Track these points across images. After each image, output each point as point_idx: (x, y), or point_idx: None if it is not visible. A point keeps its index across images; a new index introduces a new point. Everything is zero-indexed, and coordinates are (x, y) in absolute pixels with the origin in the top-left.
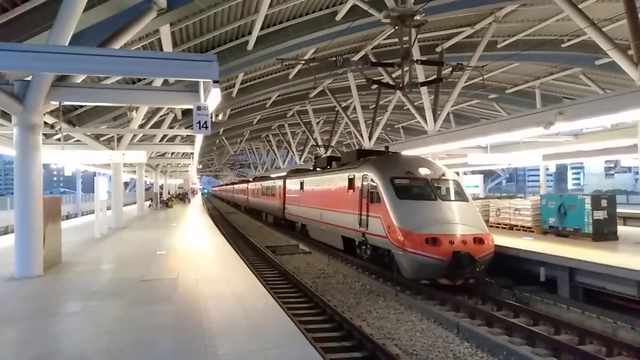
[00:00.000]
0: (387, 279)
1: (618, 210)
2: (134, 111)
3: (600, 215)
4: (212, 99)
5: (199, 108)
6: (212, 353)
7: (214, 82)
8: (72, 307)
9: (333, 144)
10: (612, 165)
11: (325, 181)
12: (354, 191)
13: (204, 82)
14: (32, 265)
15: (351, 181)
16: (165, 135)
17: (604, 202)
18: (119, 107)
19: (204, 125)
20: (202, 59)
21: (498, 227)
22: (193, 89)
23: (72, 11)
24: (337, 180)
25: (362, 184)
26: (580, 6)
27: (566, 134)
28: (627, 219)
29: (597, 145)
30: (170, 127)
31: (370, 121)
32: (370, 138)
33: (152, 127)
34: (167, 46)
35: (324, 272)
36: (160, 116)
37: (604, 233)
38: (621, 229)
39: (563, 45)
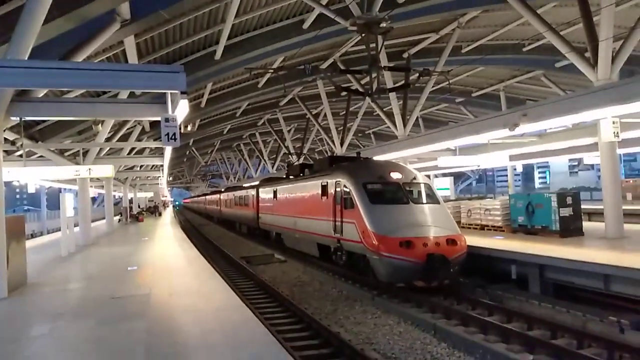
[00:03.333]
0: (363, 284)
1: (583, 206)
2: (99, 125)
3: (566, 212)
4: (180, 110)
5: (166, 120)
6: None
7: (182, 93)
8: (38, 329)
9: (305, 151)
10: (576, 163)
11: (299, 189)
12: (327, 198)
13: (171, 93)
14: None
15: (324, 188)
16: (133, 148)
17: (569, 200)
18: (84, 121)
19: (173, 137)
20: (169, 70)
21: (470, 228)
22: (160, 101)
23: (30, 24)
24: (310, 188)
25: (335, 190)
26: (538, 11)
27: (531, 134)
28: (591, 215)
29: (560, 145)
30: (139, 139)
31: (341, 128)
32: (341, 144)
33: (120, 140)
34: (133, 57)
35: (300, 280)
36: (128, 129)
37: (571, 229)
38: (586, 224)
39: (524, 49)
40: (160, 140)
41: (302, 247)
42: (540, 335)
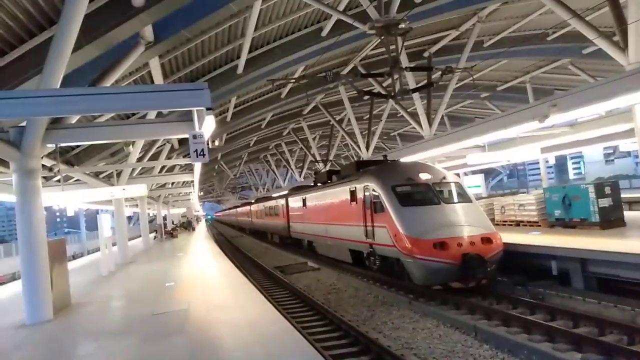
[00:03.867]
0: (399, 288)
1: (622, 195)
2: (130, 146)
3: (605, 202)
4: (207, 126)
5: (194, 137)
6: None
7: (207, 109)
8: (85, 349)
9: (331, 157)
10: (611, 151)
11: (327, 195)
12: (356, 203)
13: (197, 110)
14: (41, 310)
15: (353, 193)
16: (164, 166)
17: (607, 189)
18: (116, 143)
19: (202, 153)
20: (194, 87)
21: (504, 225)
22: (187, 118)
23: (60, 53)
24: (339, 194)
25: (364, 195)
26: None
27: (561, 125)
28: (632, 204)
29: (593, 133)
30: (168, 157)
31: (366, 132)
32: (367, 148)
33: (150, 159)
34: (158, 78)
35: (335, 288)
36: (158, 147)
37: (611, 220)
38: (627, 214)
39: (549, 38)
40: (189, 157)
41: (335, 254)
42: (587, 332)
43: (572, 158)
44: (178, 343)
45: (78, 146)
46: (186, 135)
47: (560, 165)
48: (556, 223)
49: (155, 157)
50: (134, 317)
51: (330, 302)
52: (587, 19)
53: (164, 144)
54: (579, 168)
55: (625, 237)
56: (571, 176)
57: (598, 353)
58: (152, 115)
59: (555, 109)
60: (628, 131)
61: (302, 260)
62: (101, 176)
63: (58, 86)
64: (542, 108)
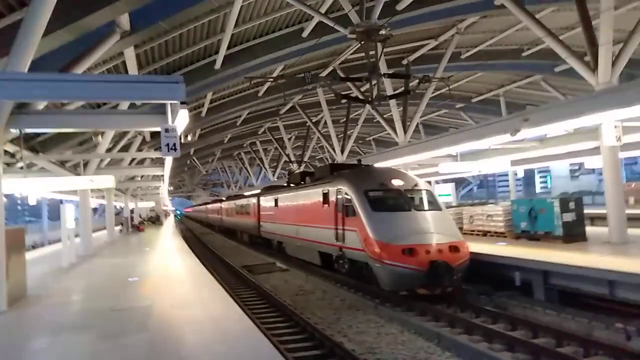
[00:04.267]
0: (366, 292)
1: (585, 211)
2: (99, 136)
3: (569, 217)
4: (180, 120)
5: (166, 130)
6: None
7: (182, 103)
8: (38, 344)
9: (306, 159)
10: (577, 167)
11: (300, 197)
12: (328, 205)
13: (171, 103)
14: None
15: (325, 196)
16: (134, 159)
17: (572, 204)
18: (85, 133)
19: (173, 147)
20: (168, 80)
21: (472, 234)
22: (160, 111)
23: (30, 37)
24: (311, 196)
25: (337, 198)
26: (537, 16)
27: (532, 139)
28: (594, 219)
29: (561, 149)
30: (139, 149)
31: (342, 135)
32: (342, 152)
33: (120, 150)
34: (133, 69)
35: (302, 289)
36: (129, 139)
37: (574, 234)
38: (590, 229)
39: (524, 54)
40: (161, 150)
41: (304, 256)
42: (545, 343)
43: (539, 172)
44: (138, 340)
45: (44, 133)
46: (158, 129)
47: (528, 179)
48: (522, 235)
49: (125, 148)
50: (92, 312)
51: (297, 303)
52: (560, 37)
53: (135, 136)
54: (546, 182)
55: (586, 251)
56: (538, 190)
57: None
58: (124, 106)
59: (527, 124)
60: (594, 149)
61: (270, 261)
62: (67, 165)
63: (26, 70)
64: (514, 122)
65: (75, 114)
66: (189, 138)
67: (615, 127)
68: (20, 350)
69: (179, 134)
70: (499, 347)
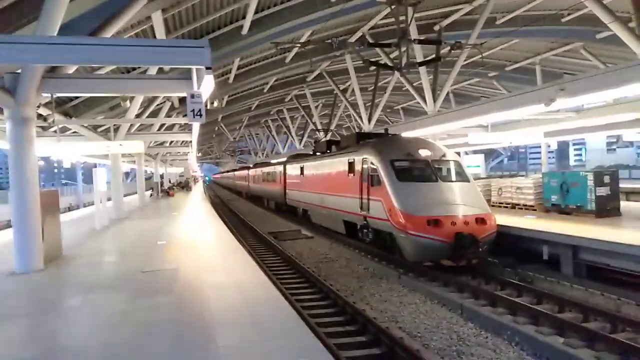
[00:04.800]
0: (389, 262)
1: (621, 185)
2: (127, 101)
3: (603, 191)
4: (206, 86)
5: (192, 96)
6: (213, 345)
7: (207, 68)
8: (72, 301)
9: (332, 127)
10: (614, 140)
11: (325, 165)
12: (354, 175)
13: (196, 69)
14: (31, 260)
15: (351, 165)
16: (163, 124)
17: (606, 178)
18: (115, 97)
19: (199, 113)
20: (194, 45)
21: (500, 207)
22: (187, 77)
23: (58, 0)
24: (337, 164)
25: (362, 167)
26: None
27: (567, 110)
28: (629, 194)
29: (599, 121)
30: (168, 115)
31: (370, 103)
32: (369, 120)
33: (149, 116)
34: (160, 33)
35: (326, 257)
36: (157, 105)
37: (607, 209)
38: (624, 204)
39: (563, 20)
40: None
41: (329, 224)
42: (571, 318)
43: (574, 144)
44: (164, 301)
45: (77, 97)
46: (184, 94)
47: (562, 151)
48: (552, 208)
49: (154, 114)
50: (123, 273)
51: (321, 270)
52: (604, 1)
53: (164, 102)
54: (581, 155)
55: (618, 227)
56: (572, 162)
57: (580, 339)
58: (153, 71)
59: (563, 93)
60: (633, 121)
61: (296, 228)
62: (99, 130)
63: (55, 34)
64: (549, 91)
65: (104, 78)
66: (215, 104)
67: None
68: (55, 307)
69: (204, 100)
70: (523, 320)
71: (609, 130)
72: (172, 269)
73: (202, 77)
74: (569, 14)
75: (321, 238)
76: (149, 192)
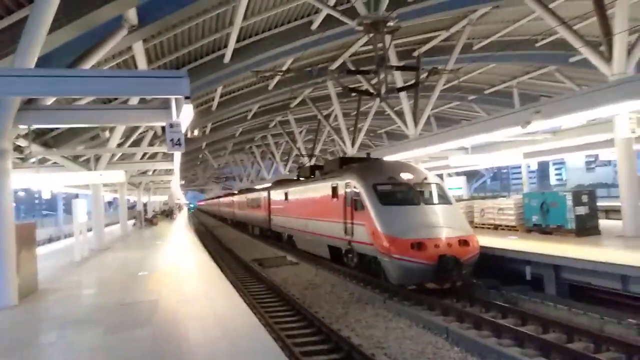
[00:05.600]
0: (375, 286)
1: (600, 203)
2: (107, 131)
3: (582, 210)
4: (185, 115)
5: (171, 125)
6: None
7: (186, 98)
8: (46, 338)
9: (317, 152)
10: (593, 159)
11: (309, 190)
12: (337, 199)
13: (176, 98)
14: (4, 296)
15: (334, 189)
16: (146, 153)
17: (584, 198)
18: (96, 128)
19: (178, 142)
20: (172, 75)
21: (483, 228)
22: (166, 106)
23: (36, 32)
24: (320, 189)
25: (346, 192)
26: (550, 6)
27: (545, 131)
28: (609, 212)
29: (574, 142)
30: (150, 144)
31: (353, 128)
32: (353, 145)
33: (131, 145)
34: (142, 63)
35: (312, 283)
36: (140, 134)
37: (587, 228)
38: (603, 222)
39: (537, 45)
40: None
41: (314, 249)
42: (555, 338)
43: (554, 164)
44: (142, 335)
45: (57, 128)
46: (163, 124)
47: (543, 171)
48: (533, 229)
49: (136, 143)
50: (101, 306)
51: (306, 297)
52: (574, 27)
53: (147, 131)
54: (561, 174)
55: (599, 245)
56: (553, 182)
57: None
58: (135, 101)
59: (539, 116)
60: (608, 141)
61: (281, 254)
62: (80, 160)
63: (32, 66)
64: (525, 114)
65: (83, 109)
66: (196, 133)
67: (630, 118)
68: (28, 345)
69: (183, 129)
70: (508, 342)
71: (585, 150)
72: (151, 300)
73: (181, 106)
74: (542, 39)
75: (306, 264)
76: (132, 221)
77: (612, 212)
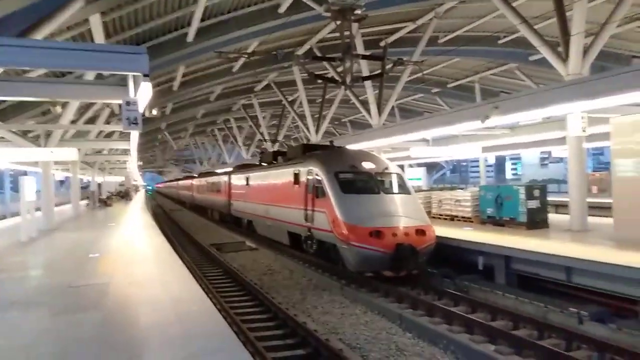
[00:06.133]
0: (333, 273)
1: (551, 198)
2: (58, 106)
3: (533, 204)
4: (143, 93)
5: (127, 103)
6: None
7: (144, 75)
8: None
9: (280, 138)
10: (546, 156)
11: (271, 176)
12: (299, 186)
13: (134, 76)
14: None
15: (297, 176)
16: (101, 131)
17: (536, 192)
18: (46, 102)
19: (134, 121)
20: (131, 51)
21: (440, 218)
22: (123, 83)
23: None
24: (282, 175)
25: (308, 179)
26: (514, 4)
27: (503, 127)
28: (558, 207)
29: (530, 138)
30: (107, 122)
31: (317, 115)
32: (317, 132)
33: (86, 122)
34: (99, 38)
35: (270, 269)
36: (95, 111)
37: (537, 221)
38: (553, 216)
39: (500, 42)
40: None
41: (274, 235)
42: (502, 326)
43: (511, 159)
44: (91, 318)
45: (4, 101)
46: (119, 101)
47: (500, 165)
48: (488, 220)
49: (92, 121)
50: (48, 289)
51: (264, 283)
52: (535, 27)
53: (103, 108)
54: (517, 169)
55: (547, 238)
56: (509, 176)
57: (510, 346)
58: (91, 76)
59: (497, 111)
60: (561, 139)
61: (240, 239)
62: (29, 135)
63: None
64: (484, 109)
65: (34, 82)
66: (155, 112)
67: (582, 118)
68: None
69: (141, 108)
70: (458, 329)
71: (539, 147)
72: (103, 283)
73: (139, 84)
74: (504, 37)
75: (266, 250)
76: (85, 201)
77: (561, 207)
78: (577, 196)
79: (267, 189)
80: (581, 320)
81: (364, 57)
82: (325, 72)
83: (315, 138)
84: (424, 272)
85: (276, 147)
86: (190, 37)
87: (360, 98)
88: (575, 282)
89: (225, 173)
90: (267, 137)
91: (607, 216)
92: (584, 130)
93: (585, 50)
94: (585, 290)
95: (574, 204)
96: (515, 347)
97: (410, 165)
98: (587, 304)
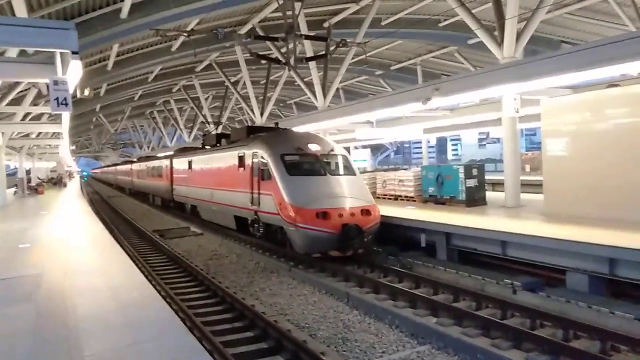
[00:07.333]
0: (280, 255)
1: (488, 177)
2: None
3: (472, 183)
4: (72, 72)
5: (56, 82)
6: (77, 355)
7: (73, 53)
8: None
9: (224, 120)
10: (484, 137)
11: (215, 160)
12: (244, 169)
13: (61, 53)
14: None
15: (241, 159)
16: (28, 113)
17: (474, 171)
18: None
19: (64, 102)
20: (57, 26)
21: (385, 198)
22: (51, 61)
23: None
24: (227, 159)
25: (253, 162)
26: None
27: (444, 108)
28: (495, 185)
29: (470, 119)
30: (34, 104)
31: (262, 97)
32: (262, 114)
33: (10, 104)
34: (21, 11)
35: (216, 253)
36: (20, 92)
37: (475, 199)
38: (490, 194)
39: (440, 25)
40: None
41: (219, 220)
42: (444, 299)
43: (451, 140)
44: (22, 311)
45: None
46: (46, 80)
47: (441, 146)
48: (430, 199)
49: (17, 102)
50: None
51: (210, 268)
52: (473, 10)
53: (29, 88)
54: (457, 150)
55: (484, 215)
56: (450, 157)
57: (451, 317)
58: (13, 53)
59: (438, 93)
60: (497, 120)
61: (184, 225)
62: None
63: None
64: (426, 91)
65: None
66: (87, 93)
67: (515, 99)
68: None
69: (71, 88)
70: (403, 304)
71: (478, 127)
72: (34, 274)
73: (67, 62)
74: (445, 20)
75: (211, 234)
76: (13, 189)
77: (498, 185)
78: (512, 175)
79: (211, 172)
80: (515, 290)
81: (307, 37)
82: (269, 52)
83: (260, 120)
84: (370, 251)
85: (220, 130)
86: (124, 13)
87: (305, 80)
88: (509, 255)
89: (166, 157)
90: (209, 120)
91: (538, 193)
92: (517, 111)
93: (519, 35)
94: (518, 262)
95: (509, 182)
96: (456, 319)
97: (356, 147)
98: (521, 275)
